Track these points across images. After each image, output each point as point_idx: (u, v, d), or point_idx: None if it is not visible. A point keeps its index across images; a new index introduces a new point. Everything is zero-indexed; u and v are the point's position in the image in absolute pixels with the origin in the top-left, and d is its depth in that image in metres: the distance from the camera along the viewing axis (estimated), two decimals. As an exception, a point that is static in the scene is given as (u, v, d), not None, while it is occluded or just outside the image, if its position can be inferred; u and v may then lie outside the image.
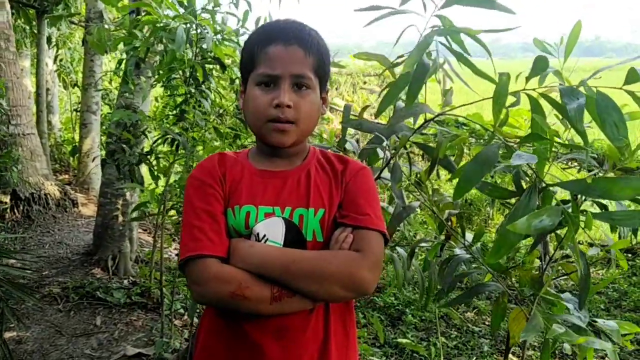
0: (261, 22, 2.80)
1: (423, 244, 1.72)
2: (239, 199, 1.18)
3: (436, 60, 1.22)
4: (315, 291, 1.12)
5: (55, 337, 3.12)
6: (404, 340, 2.91)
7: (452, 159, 1.54)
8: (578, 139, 1.31)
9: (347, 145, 1.93)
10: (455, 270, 1.37)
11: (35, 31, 7.39)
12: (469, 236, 1.60)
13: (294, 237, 1.17)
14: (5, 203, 4.97)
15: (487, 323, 3.90)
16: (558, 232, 1.38)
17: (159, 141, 3.02)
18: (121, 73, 3.70)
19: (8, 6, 5.22)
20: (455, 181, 1.36)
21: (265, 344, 1.14)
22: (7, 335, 2.96)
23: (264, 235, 1.16)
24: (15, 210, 5.04)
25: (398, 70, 1.52)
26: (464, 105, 1.35)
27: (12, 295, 2.57)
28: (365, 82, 9.88)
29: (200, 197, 1.17)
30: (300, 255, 1.13)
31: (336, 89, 9.59)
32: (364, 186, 1.24)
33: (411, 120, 1.49)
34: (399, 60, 1.47)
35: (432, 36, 1.22)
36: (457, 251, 1.47)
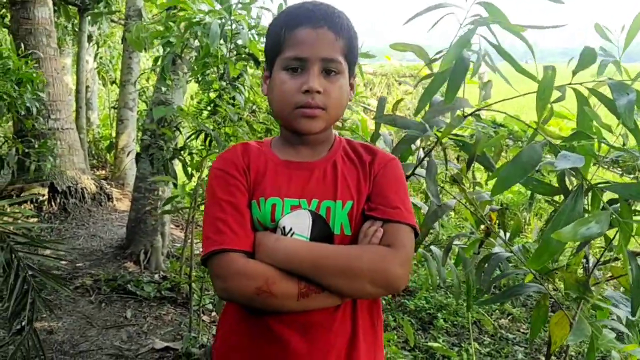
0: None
1: (458, 242, 1.65)
2: (264, 190, 1.14)
3: (479, 55, 1.15)
4: (344, 287, 1.07)
5: (85, 328, 3.15)
6: (435, 344, 2.83)
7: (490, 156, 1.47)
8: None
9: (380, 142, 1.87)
10: (495, 270, 1.30)
11: (77, 29, 7.56)
12: (507, 235, 1.53)
13: (321, 230, 1.13)
14: (43, 195, 5.08)
15: (521, 330, 3.77)
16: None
17: (192, 136, 3.02)
18: (158, 69, 3.73)
19: (50, 2, 5.34)
20: (492, 182, 1.29)
21: (291, 339, 1.10)
22: (38, 325, 3.00)
23: (290, 229, 1.12)
24: (52, 203, 5.15)
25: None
26: (504, 100, 1.28)
27: (46, 286, 2.60)
28: (400, 83, 9.77)
29: (223, 189, 1.13)
30: (329, 250, 1.09)
31: (370, 89, 9.52)
32: (393, 178, 1.19)
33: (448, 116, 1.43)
34: (438, 55, 1.41)
35: (473, 30, 1.16)
36: (496, 249, 1.40)
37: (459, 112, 1.41)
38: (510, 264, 1.45)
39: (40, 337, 2.57)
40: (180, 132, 3.78)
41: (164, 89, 3.93)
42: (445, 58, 1.25)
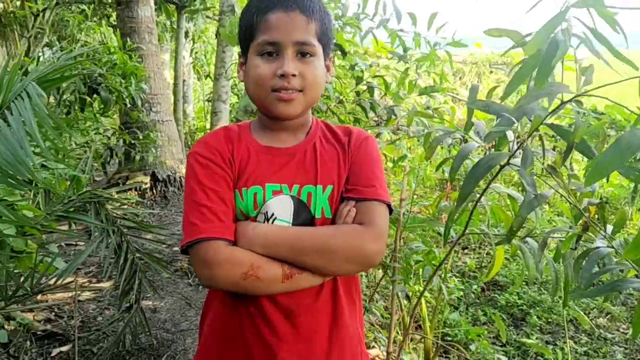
0: (381, 7, 2.74)
1: (555, 235, 1.59)
2: (246, 180, 1.15)
3: (568, 34, 1.09)
4: (322, 266, 1.09)
5: (185, 308, 3.35)
6: (530, 341, 2.74)
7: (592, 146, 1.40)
8: None
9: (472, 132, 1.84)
10: (594, 266, 1.25)
11: (175, 26, 7.96)
12: (609, 229, 1.45)
13: (303, 215, 1.15)
14: (146, 183, 5.43)
15: (621, 330, 3.56)
16: None
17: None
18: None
19: (152, 2, 5.66)
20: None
21: (276, 323, 1.13)
22: (144, 303, 3.22)
23: (273, 214, 1.14)
24: (154, 190, 5.49)
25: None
26: (606, 85, 1.21)
27: (150, 268, 2.79)
28: (491, 72, 9.44)
29: (209, 178, 1.13)
30: (304, 232, 1.11)
31: (460, 78, 9.27)
32: (368, 156, 1.20)
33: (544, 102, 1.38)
34: (529, 37, 1.35)
35: (565, 12, 1.10)
36: (598, 243, 1.34)
37: (556, 99, 1.35)
38: (615, 260, 1.39)
39: (145, 315, 2.76)
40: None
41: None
42: (533, 40, 1.20)
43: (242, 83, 1.21)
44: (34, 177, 1.83)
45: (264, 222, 1.14)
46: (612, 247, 1.30)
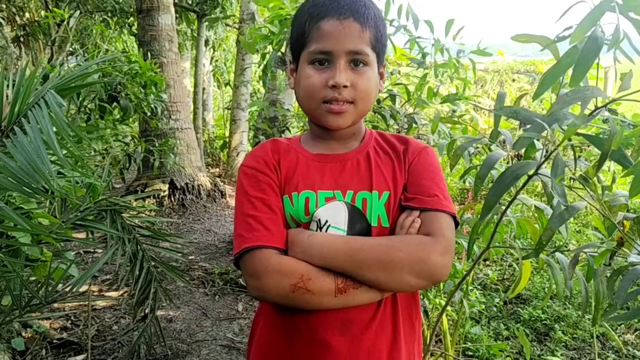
0: (403, 13, 2.69)
1: (587, 250, 1.51)
2: (296, 185, 1.10)
3: (617, 31, 1.02)
4: (383, 280, 1.01)
5: (201, 318, 3.31)
6: (555, 358, 2.64)
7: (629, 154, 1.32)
8: None
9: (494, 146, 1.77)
10: (632, 284, 1.17)
11: (195, 34, 8.01)
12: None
13: (358, 222, 1.08)
14: (164, 191, 5.43)
15: (652, 349, 3.42)
16: None
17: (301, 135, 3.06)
18: (263, 68, 3.83)
19: (172, 10, 5.69)
20: (624, 185, 1.15)
21: (331, 339, 1.05)
22: (159, 313, 3.19)
23: (326, 221, 1.08)
24: (172, 198, 5.49)
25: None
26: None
27: (166, 276, 2.76)
28: (514, 80, 9.32)
29: (254, 186, 1.10)
30: (365, 243, 1.03)
31: (482, 86, 9.16)
32: (429, 166, 1.15)
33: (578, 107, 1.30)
34: (565, 33, 1.27)
35: (607, 2, 1.03)
36: (632, 259, 1.26)
37: (590, 105, 1.28)
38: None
39: (160, 324, 2.72)
40: (290, 132, 3.85)
41: (270, 87, 4.03)
42: (574, 34, 1.13)
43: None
44: (50, 185, 1.81)
45: (317, 230, 1.09)
46: (650, 264, 1.22)
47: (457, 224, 1.11)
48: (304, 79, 1.10)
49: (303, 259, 1.03)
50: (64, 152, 2.20)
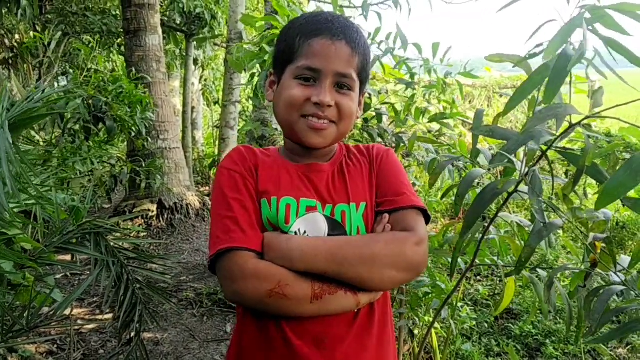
0: (392, 39, 2.71)
1: (565, 271, 1.51)
2: (276, 190, 1.10)
3: (582, 46, 1.02)
4: (366, 277, 1.02)
5: (189, 341, 3.27)
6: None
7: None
8: None
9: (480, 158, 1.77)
10: (608, 304, 1.17)
11: (184, 54, 8.04)
12: (626, 259, 1.36)
13: (338, 234, 1.09)
14: (152, 211, 5.39)
15: (643, 362, 3.41)
16: None
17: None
18: (251, 87, 3.84)
19: (160, 30, 5.71)
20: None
21: (306, 352, 1.04)
22: (146, 335, 3.15)
23: (305, 232, 1.08)
24: (160, 218, 5.45)
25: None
26: (619, 105, 1.15)
27: (152, 298, 2.73)
28: (501, 96, 9.39)
29: (232, 187, 1.09)
30: (344, 240, 1.04)
31: (470, 102, 9.23)
32: (393, 167, 1.18)
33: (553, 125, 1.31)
34: (536, 50, 1.28)
35: (579, 18, 1.03)
36: (613, 278, 1.25)
37: (565, 122, 1.28)
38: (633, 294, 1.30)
39: (147, 348, 2.68)
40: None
41: (256, 106, 4.04)
42: (546, 51, 1.13)
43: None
44: (12, 213, 1.78)
45: None
46: (625, 284, 1.21)
47: (428, 217, 1.14)
48: (286, 90, 1.09)
49: (282, 264, 1.01)
50: (46, 175, 2.19)
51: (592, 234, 1.24)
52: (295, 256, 1.01)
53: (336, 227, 1.09)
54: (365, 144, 3.09)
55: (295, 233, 1.07)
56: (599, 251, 1.24)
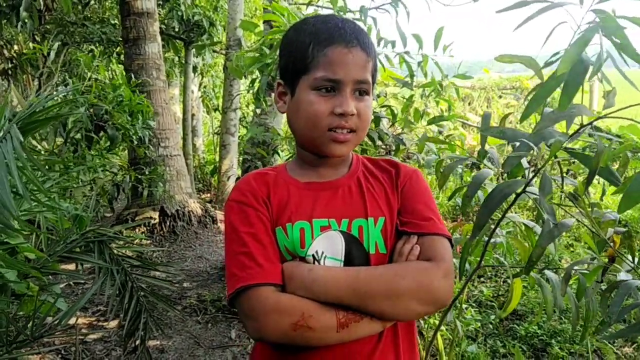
0: (389, 45, 2.71)
1: (577, 267, 1.50)
2: (289, 216, 1.07)
3: (601, 57, 1.03)
4: (389, 311, 0.99)
5: (194, 348, 3.26)
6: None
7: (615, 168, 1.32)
8: None
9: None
10: (624, 299, 1.16)
11: (183, 61, 8.05)
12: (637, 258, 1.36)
13: (355, 251, 1.06)
14: (155, 219, 5.39)
15: (650, 361, 3.40)
16: None
17: (290, 159, 3.06)
18: (253, 92, 3.84)
19: (159, 38, 5.71)
20: (611, 198, 1.15)
21: None
22: (151, 343, 3.14)
23: (322, 252, 1.05)
24: (163, 226, 5.44)
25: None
26: (631, 106, 1.15)
27: (157, 306, 2.71)
28: (500, 96, 9.40)
29: (243, 221, 1.06)
30: (368, 273, 1.01)
31: (469, 103, 9.23)
32: (420, 189, 1.14)
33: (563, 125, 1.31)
34: (553, 58, 1.28)
35: (594, 29, 1.04)
36: (622, 276, 1.25)
37: (575, 121, 1.28)
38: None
39: (152, 355, 2.68)
40: (279, 156, 3.85)
41: (258, 111, 4.04)
42: (564, 59, 1.13)
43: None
44: (20, 221, 1.77)
45: (314, 262, 1.05)
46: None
47: (451, 244, 1.10)
48: (306, 104, 1.06)
49: (304, 294, 0.99)
50: (49, 184, 2.18)
51: (610, 229, 1.23)
52: (317, 288, 0.99)
53: (353, 243, 1.07)
54: (364, 147, 3.10)
55: (313, 256, 1.05)
56: (617, 246, 1.24)
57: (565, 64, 1.05)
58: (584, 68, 1.02)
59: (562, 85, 1.08)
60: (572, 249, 5.02)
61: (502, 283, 4.46)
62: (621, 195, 1.07)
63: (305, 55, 1.05)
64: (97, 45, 7.15)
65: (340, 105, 1.03)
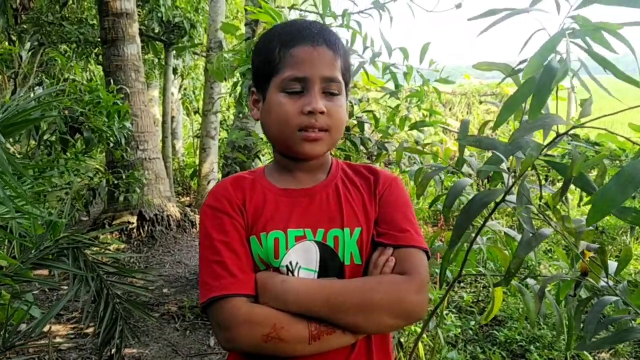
0: (369, 42, 2.69)
1: (553, 279, 1.49)
2: (264, 224, 1.05)
3: (566, 63, 1.02)
4: (362, 323, 0.98)
5: (171, 356, 3.20)
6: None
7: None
8: None
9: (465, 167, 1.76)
10: (598, 317, 1.15)
11: (163, 63, 7.96)
12: (612, 265, 1.35)
13: (330, 262, 1.05)
14: (132, 223, 5.30)
15: (626, 366, 3.43)
16: None
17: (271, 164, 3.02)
18: (235, 95, 3.80)
19: (138, 39, 5.64)
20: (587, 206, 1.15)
21: None
22: (127, 351, 3.08)
23: (297, 263, 1.04)
24: (141, 230, 5.36)
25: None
26: (606, 115, 1.15)
27: (133, 313, 2.66)
28: (481, 102, 9.48)
29: (217, 229, 1.04)
30: (341, 286, 1.01)
31: (450, 109, 9.30)
32: (399, 199, 1.12)
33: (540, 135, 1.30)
34: (522, 66, 1.28)
35: (561, 35, 1.03)
36: (602, 285, 1.25)
37: (555, 129, 1.28)
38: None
39: (128, 364, 2.62)
40: (260, 160, 3.81)
41: (240, 114, 4.00)
42: (528, 65, 1.13)
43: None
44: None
45: (287, 273, 1.04)
46: (616, 294, 1.20)
47: (428, 257, 1.09)
48: (276, 106, 1.05)
49: (276, 306, 0.98)
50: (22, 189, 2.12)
51: (583, 243, 1.23)
52: (289, 299, 0.98)
53: (328, 254, 1.05)
54: (347, 152, 3.09)
55: (287, 267, 1.04)
56: (587, 259, 1.23)
57: (530, 69, 1.05)
58: (552, 75, 1.01)
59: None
60: (550, 255, 5.07)
61: (482, 288, 4.48)
62: (590, 207, 1.06)
63: (273, 58, 1.05)
64: (75, 45, 7.03)
65: (309, 104, 1.02)
